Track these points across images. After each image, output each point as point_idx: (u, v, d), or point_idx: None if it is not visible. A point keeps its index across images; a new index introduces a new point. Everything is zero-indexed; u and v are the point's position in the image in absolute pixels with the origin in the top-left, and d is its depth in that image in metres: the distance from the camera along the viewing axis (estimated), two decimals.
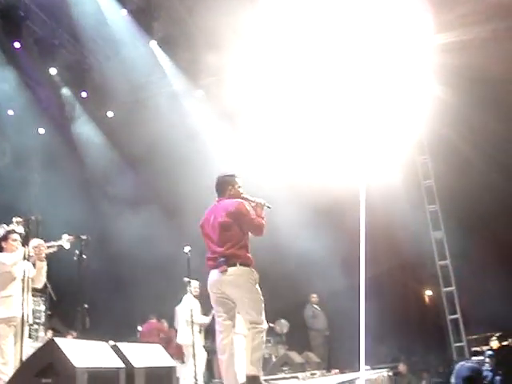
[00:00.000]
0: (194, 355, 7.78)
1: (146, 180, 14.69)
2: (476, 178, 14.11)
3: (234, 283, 5.30)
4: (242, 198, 5.60)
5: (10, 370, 6.09)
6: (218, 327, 5.49)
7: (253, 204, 5.59)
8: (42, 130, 14.97)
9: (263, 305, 5.42)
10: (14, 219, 6.51)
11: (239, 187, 5.72)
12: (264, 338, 5.45)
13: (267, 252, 14.81)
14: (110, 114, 15.02)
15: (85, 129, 15.05)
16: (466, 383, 4.39)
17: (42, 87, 14.02)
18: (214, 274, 5.38)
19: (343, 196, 12.83)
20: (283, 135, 13.08)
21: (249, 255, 5.44)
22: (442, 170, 15.01)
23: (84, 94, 14.71)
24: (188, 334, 9.04)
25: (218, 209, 5.56)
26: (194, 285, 9.40)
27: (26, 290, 6.51)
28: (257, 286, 5.40)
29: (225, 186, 5.70)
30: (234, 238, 5.38)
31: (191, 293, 9.51)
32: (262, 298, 5.41)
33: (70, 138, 14.88)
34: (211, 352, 10.01)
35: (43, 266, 6.79)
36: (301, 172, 12.93)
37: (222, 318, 5.45)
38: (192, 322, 8.70)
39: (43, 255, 6.70)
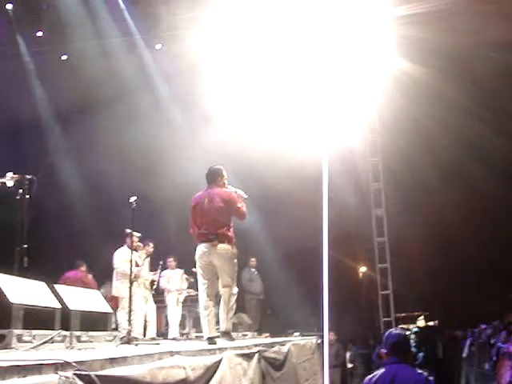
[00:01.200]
0: (129, 307, 7.79)
1: (95, 128, 14.39)
2: (424, 156, 14.43)
3: (221, 256, 6.52)
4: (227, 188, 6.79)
5: None
6: (201, 289, 6.70)
7: (235, 194, 6.74)
8: None
9: (236, 274, 6.80)
10: None
11: (226, 179, 6.86)
12: (234, 300, 6.81)
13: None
14: (64, 57, 14.54)
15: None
16: (393, 348, 4.55)
17: None
18: (203, 247, 6.56)
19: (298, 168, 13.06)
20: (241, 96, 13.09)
21: (232, 235, 6.64)
22: (391, 149, 15.27)
23: (40, 33, 14.18)
24: (121, 287, 9.16)
25: (212, 195, 6.66)
26: (135, 236, 9.45)
27: None
28: (235, 260, 6.69)
29: (216, 176, 6.80)
30: (226, 221, 6.59)
31: (127, 245, 9.50)
32: (236, 269, 6.77)
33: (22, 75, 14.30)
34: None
35: None
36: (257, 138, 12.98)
37: (207, 281, 6.65)
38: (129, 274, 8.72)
39: None
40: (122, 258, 9.58)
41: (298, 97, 12.35)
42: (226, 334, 6.76)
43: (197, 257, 6.66)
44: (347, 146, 14.49)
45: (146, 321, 9.83)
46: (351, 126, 14.28)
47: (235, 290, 6.85)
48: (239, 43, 12.89)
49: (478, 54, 12.51)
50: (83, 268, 11.97)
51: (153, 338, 9.20)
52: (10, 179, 6.60)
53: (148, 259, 10.17)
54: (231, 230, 6.70)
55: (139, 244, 9.75)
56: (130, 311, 7.55)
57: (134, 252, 8.71)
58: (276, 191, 14.26)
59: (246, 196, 6.89)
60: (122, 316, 9.26)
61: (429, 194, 15.29)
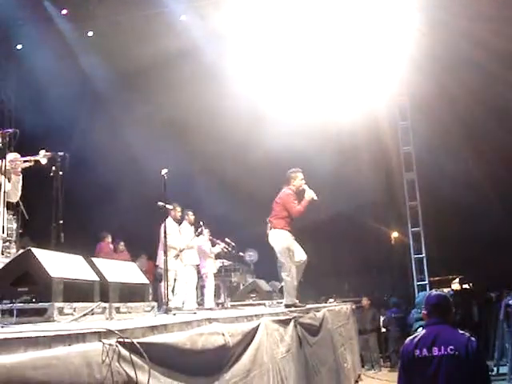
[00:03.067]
0: (165, 278, 7.93)
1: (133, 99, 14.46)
2: (454, 121, 14.23)
3: (271, 238, 8.22)
4: (298, 189, 8.29)
5: None
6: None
7: (306, 195, 8.17)
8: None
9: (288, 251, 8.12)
10: None
11: (301, 180, 8.35)
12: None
13: (242, 184, 15.06)
14: (90, 33, 14.57)
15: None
16: (434, 308, 4.54)
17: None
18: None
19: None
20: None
21: (284, 223, 8.18)
22: (420, 113, 15.10)
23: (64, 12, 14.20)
24: (161, 258, 9.30)
25: (280, 193, 8.37)
26: (177, 208, 9.77)
27: (0, 204, 6.52)
28: (286, 242, 8.12)
29: (288, 179, 8.39)
30: (278, 213, 8.23)
31: (172, 216, 9.78)
32: (286, 247, 8.11)
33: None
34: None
35: (19, 180, 6.74)
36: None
37: None
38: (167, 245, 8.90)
39: (19, 169, 6.65)
40: (169, 230, 9.75)
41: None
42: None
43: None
44: (374, 112, 14.40)
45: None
46: (378, 93, 14.17)
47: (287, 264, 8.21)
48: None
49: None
50: (108, 239, 12.20)
51: (189, 309, 9.35)
52: (42, 157, 6.69)
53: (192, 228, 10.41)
54: (283, 220, 8.21)
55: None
56: (167, 282, 7.68)
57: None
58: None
59: (315, 198, 8.16)
60: (178, 287, 9.53)
61: (459, 159, 15.13)
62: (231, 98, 13.54)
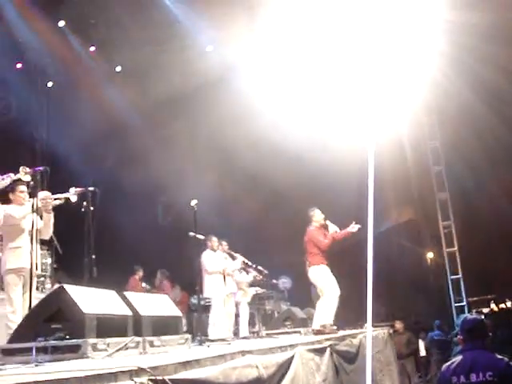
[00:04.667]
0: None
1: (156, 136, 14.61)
2: (484, 137, 14.07)
3: (312, 274, 8.99)
4: (321, 225, 9.05)
5: (18, 319, 6.18)
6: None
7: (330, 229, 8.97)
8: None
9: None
10: (22, 168, 6.43)
11: (319, 215, 9.10)
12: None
13: (273, 210, 15.03)
14: (118, 68, 14.82)
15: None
16: (470, 333, 4.42)
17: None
18: None
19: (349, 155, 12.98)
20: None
21: (319, 259, 8.88)
22: (449, 131, 14.97)
23: (92, 49, 14.48)
24: (213, 288, 9.82)
25: (306, 232, 9.02)
26: (213, 239, 9.89)
27: (34, 241, 6.59)
28: (325, 276, 8.88)
29: (310, 217, 9.07)
30: (311, 250, 8.92)
31: (209, 247, 9.88)
32: (324, 280, 8.90)
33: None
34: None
35: (50, 217, 6.81)
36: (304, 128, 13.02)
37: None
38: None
39: (50, 207, 6.73)
40: (210, 259, 9.95)
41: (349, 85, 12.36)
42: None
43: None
44: (401, 132, 14.33)
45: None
46: (406, 110, 14.09)
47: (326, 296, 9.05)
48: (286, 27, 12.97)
49: None
50: (139, 273, 12.27)
51: (223, 339, 9.30)
52: (73, 194, 6.76)
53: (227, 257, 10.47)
54: (316, 255, 8.92)
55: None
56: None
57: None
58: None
59: (337, 229, 8.98)
60: (213, 317, 9.55)
61: (494, 174, 14.91)
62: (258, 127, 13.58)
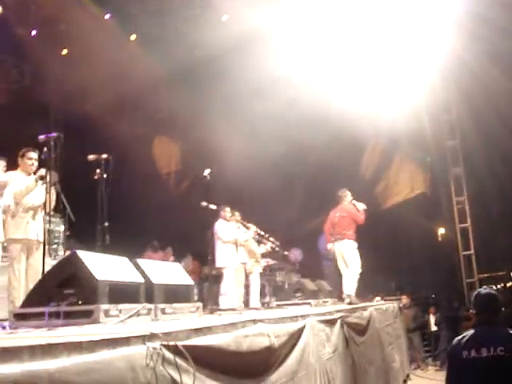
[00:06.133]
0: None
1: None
2: (502, 111, 13.89)
3: (346, 247, 9.90)
4: (352, 203, 10.04)
5: (21, 289, 6.27)
6: None
7: (359, 207, 9.95)
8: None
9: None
10: (41, 137, 6.42)
11: (350, 196, 10.15)
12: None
13: (286, 183, 15.00)
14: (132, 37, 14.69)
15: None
16: (483, 308, 4.40)
17: None
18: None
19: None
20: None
21: (355, 235, 9.96)
22: (466, 106, 14.78)
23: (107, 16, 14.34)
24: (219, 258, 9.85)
25: (340, 209, 10.10)
26: (226, 209, 9.91)
27: (38, 211, 6.64)
28: (354, 249, 9.93)
29: (341, 197, 10.16)
30: (348, 226, 9.90)
31: (222, 217, 9.90)
32: (354, 254, 9.91)
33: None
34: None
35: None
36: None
37: None
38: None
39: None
40: (224, 229, 10.04)
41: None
42: None
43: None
44: (419, 105, 14.19)
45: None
46: (424, 83, 13.96)
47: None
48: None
49: None
50: (157, 248, 12.33)
51: (234, 309, 9.35)
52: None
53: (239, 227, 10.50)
54: (352, 230, 9.96)
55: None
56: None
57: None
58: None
59: (366, 207, 10.03)
60: (225, 287, 9.61)
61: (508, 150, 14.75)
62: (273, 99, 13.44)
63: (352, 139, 14.22)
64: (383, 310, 10.09)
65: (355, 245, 9.95)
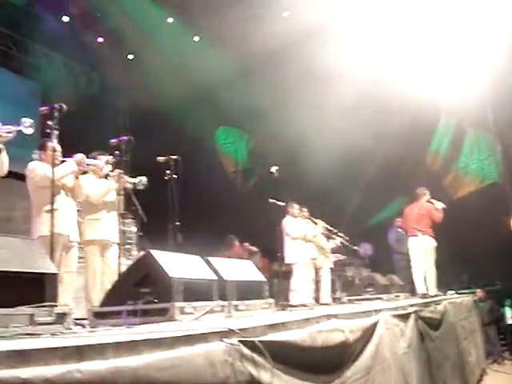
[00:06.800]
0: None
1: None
2: None
3: (424, 243, 10.35)
4: (429, 201, 10.39)
5: (97, 289, 6.46)
6: None
7: (437, 206, 10.30)
8: None
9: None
10: (112, 141, 6.60)
11: (428, 195, 10.48)
12: None
13: (355, 176, 14.85)
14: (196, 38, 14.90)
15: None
16: None
17: None
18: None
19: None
20: None
21: (432, 232, 10.37)
22: None
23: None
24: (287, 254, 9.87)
25: (417, 207, 10.51)
26: (294, 206, 9.94)
27: (112, 212, 6.83)
28: (432, 246, 10.33)
29: (420, 195, 10.52)
30: (427, 223, 10.34)
31: (290, 214, 9.93)
32: (431, 251, 10.39)
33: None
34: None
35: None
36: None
37: None
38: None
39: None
40: (292, 225, 10.09)
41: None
42: None
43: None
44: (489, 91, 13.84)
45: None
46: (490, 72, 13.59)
47: None
48: None
49: None
50: (236, 243, 12.45)
51: (305, 305, 9.35)
52: (142, 184, 6.92)
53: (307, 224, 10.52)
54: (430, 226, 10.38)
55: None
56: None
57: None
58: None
59: (444, 206, 10.33)
60: (295, 283, 9.67)
61: None
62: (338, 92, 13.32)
63: (424, 128, 13.95)
64: (457, 303, 9.88)
65: (434, 242, 10.32)
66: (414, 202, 10.65)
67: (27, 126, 5.54)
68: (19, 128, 5.52)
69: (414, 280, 10.55)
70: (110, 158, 6.75)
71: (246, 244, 12.89)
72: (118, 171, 6.79)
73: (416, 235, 10.42)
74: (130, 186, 7.01)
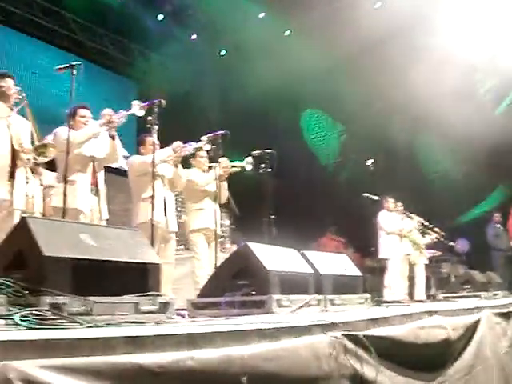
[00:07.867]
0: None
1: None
2: None
3: None
4: None
5: (205, 275, 6.54)
6: None
7: None
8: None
9: None
10: (204, 137, 6.72)
11: None
12: None
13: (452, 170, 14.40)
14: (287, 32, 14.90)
15: None
16: None
17: None
18: None
19: None
20: None
21: None
22: None
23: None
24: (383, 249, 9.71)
25: None
26: (390, 200, 9.80)
27: (215, 203, 6.95)
28: None
29: None
30: None
31: (385, 208, 9.81)
32: None
33: None
34: None
35: (225, 184, 7.14)
36: None
37: None
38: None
39: (226, 175, 7.03)
40: (387, 220, 9.97)
41: None
42: None
43: None
44: None
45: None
46: None
47: None
48: None
49: None
50: (331, 235, 12.43)
51: (399, 301, 9.18)
52: (248, 163, 6.99)
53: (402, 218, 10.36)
54: None
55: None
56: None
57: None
58: None
59: None
60: (389, 279, 9.56)
61: None
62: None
63: None
64: None
65: None
66: None
67: (138, 108, 5.67)
68: (131, 111, 5.68)
69: None
70: (209, 135, 6.78)
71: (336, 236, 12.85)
72: (223, 158, 6.91)
73: None
74: (236, 170, 7.09)
